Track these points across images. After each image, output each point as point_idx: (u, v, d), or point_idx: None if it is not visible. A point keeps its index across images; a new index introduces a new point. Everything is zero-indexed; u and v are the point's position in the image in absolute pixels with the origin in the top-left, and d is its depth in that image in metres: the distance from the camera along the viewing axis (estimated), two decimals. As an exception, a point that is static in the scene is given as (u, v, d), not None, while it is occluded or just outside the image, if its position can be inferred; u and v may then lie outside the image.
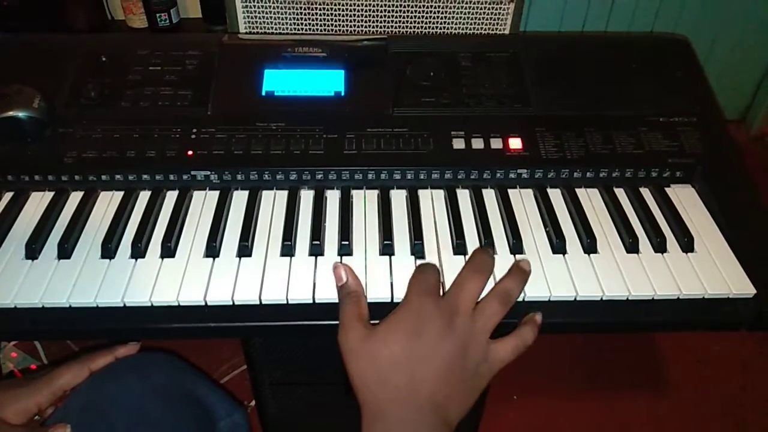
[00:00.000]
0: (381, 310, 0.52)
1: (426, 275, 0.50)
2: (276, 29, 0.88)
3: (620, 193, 0.63)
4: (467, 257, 0.56)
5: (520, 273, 0.52)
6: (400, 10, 0.87)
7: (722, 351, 1.29)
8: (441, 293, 0.51)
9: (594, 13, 1.53)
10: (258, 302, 0.52)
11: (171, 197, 0.61)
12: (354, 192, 0.62)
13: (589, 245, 0.57)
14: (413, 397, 0.45)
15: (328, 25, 0.88)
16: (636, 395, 1.22)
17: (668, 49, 0.73)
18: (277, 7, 0.86)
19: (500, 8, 0.86)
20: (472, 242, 0.57)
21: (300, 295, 0.52)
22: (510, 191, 0.62)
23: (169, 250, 0.56)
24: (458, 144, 0.63)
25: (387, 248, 0.56)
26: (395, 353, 0.46)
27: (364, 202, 0.61)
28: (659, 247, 0.57)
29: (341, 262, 0.54)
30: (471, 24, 0.88)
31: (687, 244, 0.57)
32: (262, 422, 0.92)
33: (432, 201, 0.61)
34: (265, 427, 0.93)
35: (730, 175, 0.64)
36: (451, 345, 0.46)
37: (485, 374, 0.48)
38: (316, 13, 0.87)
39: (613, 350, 1.28)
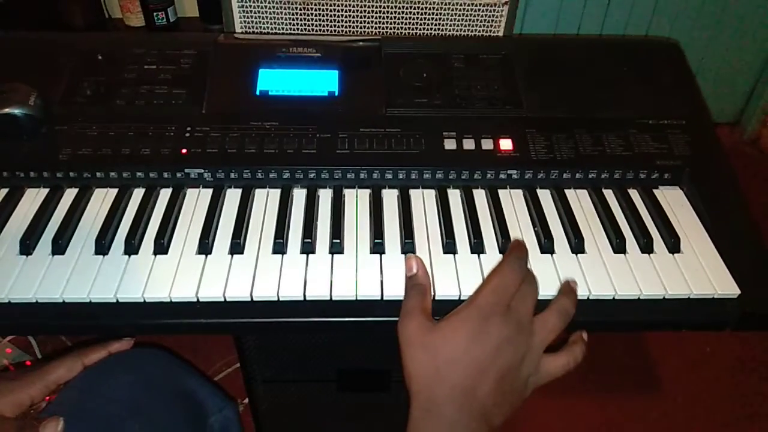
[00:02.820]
0: (371, 308, 0.53)
1: (507, 281, 0.48)
2: (271, 29, 0.89)
3: (609, 194, 0.64)
4: (456, 256, 0.56)
5: (573, 292, 0.52)
6: (394, 12, 0.87)
7: (714, 352, 1.30)
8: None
9: (589, 17, 1.54)
10: (249, 299, 0.53)
11: (165, 195, 0.62)
12: (346, 191, 0.63)
13: (577, 245, 0.58)
14: (467, 400, 0.45)
15: (323, 26, 0.89)
16: (628, 396, 1.23)
17: (659, 52, 0.74)
18: (273, 7, 0.87)
19: (494, 10, 0.87)
20: (462, 241, 0.58)
21: (291, 292, 0.53)
22: (500, 191, 0.63)
23: (162, 247, 0.56)
24: (450, 144, 0.64)
25: (378, 247, 0.57)
26: (456, 352, 0.46)
27: (356, 204, 0.62)
28: (646, 247, 0.58)
29: (413, 255, 0.54)
30: (464, 26, 0.88)
31: (673, 245, 0.58)
32: (255, 419, 0.92)
33: (423, 200, 0.62)
34: (258, 425, 0.93)
35: (717, 178, 0.65)
36: (511, 355, 0.46)
37: (532, 385, 0.49)
38: (311, 14, 0.87)
39: (604, 351, 1.29)
